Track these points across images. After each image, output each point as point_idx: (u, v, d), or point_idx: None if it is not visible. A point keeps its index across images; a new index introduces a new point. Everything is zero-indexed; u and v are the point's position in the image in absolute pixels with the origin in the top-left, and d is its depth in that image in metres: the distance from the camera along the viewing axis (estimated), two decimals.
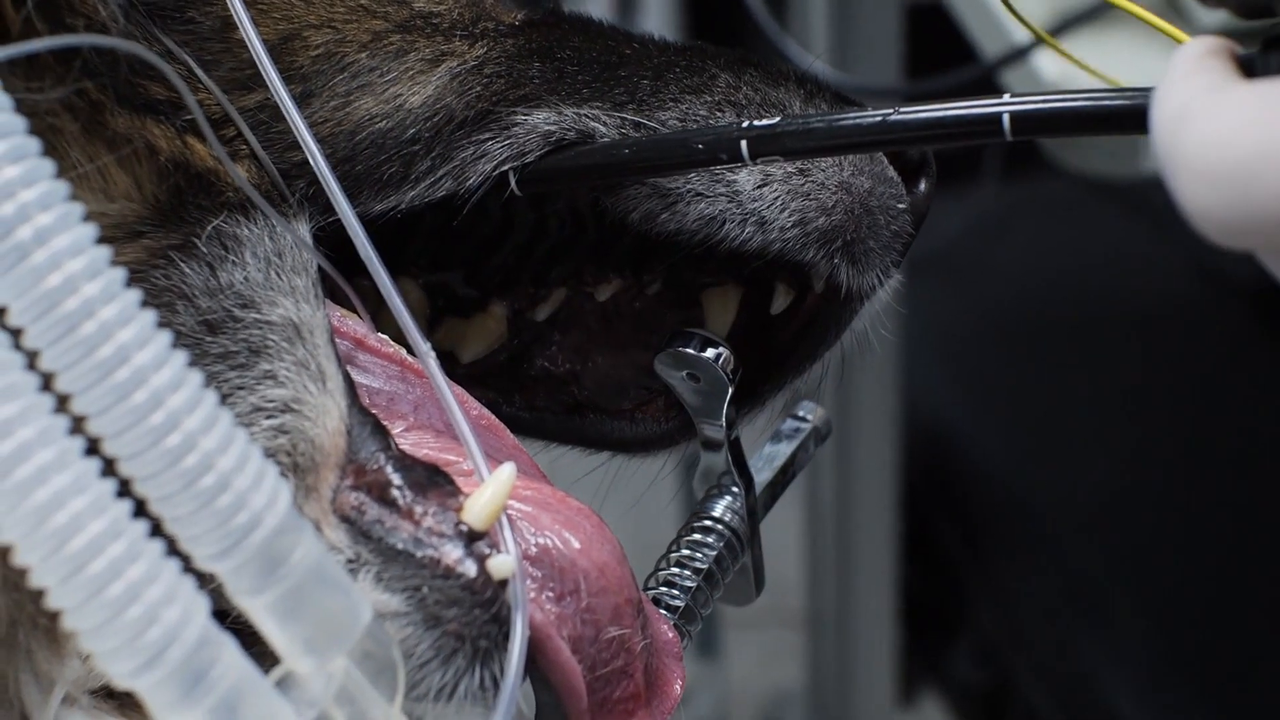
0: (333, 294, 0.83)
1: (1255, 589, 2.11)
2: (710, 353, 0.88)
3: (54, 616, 0.74)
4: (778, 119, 0.80)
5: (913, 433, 2.28)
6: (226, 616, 0.67)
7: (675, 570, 0.90)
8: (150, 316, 0.62)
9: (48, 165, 0.61)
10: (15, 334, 0.61)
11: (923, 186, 0.91)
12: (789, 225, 0.87)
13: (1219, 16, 1.59)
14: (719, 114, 0.87)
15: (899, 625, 2.33)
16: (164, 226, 0.77)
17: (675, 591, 0.89)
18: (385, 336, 0.83)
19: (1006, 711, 2.32)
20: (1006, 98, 0.74)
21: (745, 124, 0.80)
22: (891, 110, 0.76)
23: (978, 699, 2.39)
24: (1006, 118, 0.73)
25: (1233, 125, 0.60)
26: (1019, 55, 1.68)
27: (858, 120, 0.77)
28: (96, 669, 0.77)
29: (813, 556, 2.30)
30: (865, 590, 2.28)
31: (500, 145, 0.84)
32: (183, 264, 0.77)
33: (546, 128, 0.84)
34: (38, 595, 0.74)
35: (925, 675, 2.50)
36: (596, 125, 0.84)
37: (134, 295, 0.62)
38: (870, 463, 2.21)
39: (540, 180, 0.85)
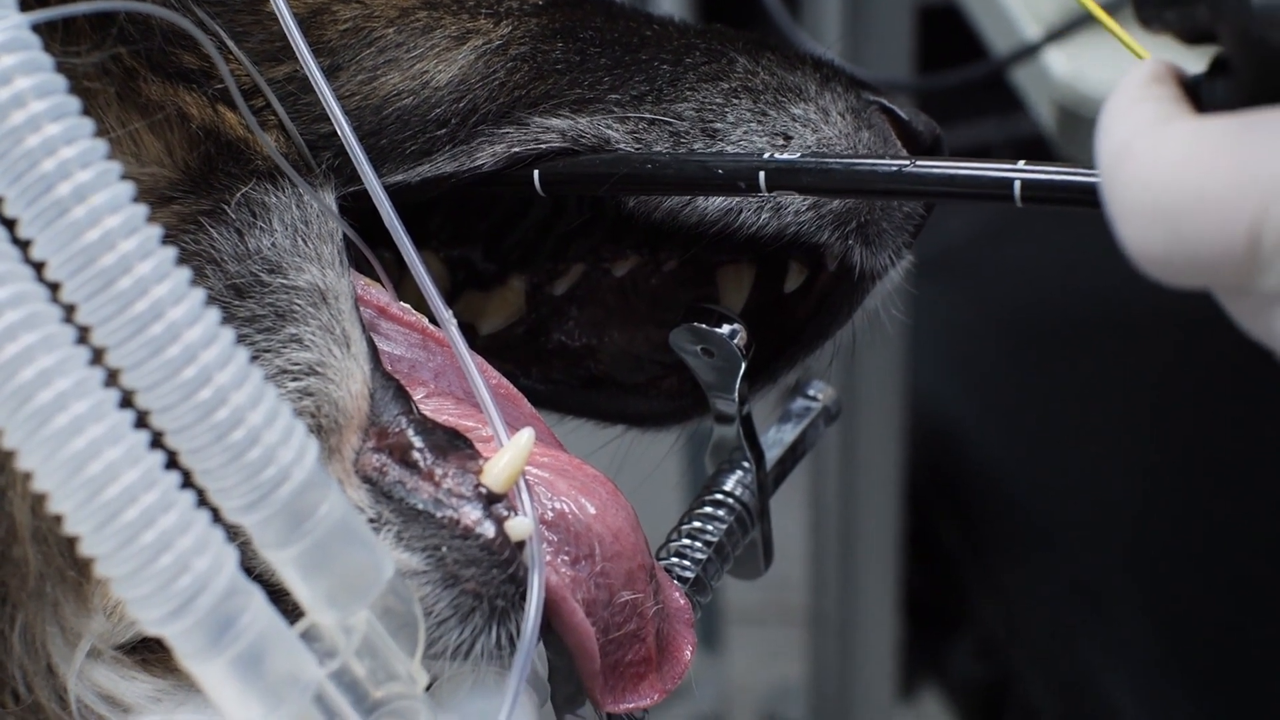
0: (357, 265, 0.84)
1: (1254, 588, 2.13)
2: (725, 328, 0.89)
3: (82, 570, 0.77)
4: (798, 155, 0.83)
5: (917, 431, 2.30)
6: (250, 574, 0.68)
7: (686, 542, 0.91)
8: (185, 274, 0.63)
9: (87, 124, 0.63)
10: (53, 288, 0.62)
11: None
12: (804, 209, 0.89)
13: None
14: (735, 101, 0.89)
15: (900, 620, 2.34)
16: (194, 192, 0.79)
17: (686, 562, 0.91)
18: (407, 305, 0.85)
19: (1006, 706, 2.34)
20: (1021, 164, 0.77)
21: (766, 155, 0.82)
22: (908, 162, 0.80)
23: (978, 694, 2.40)
24: (1018, 184, 0.76)
25: (1170, 164, 0.59)
26: (1029, 52, 1.70)
27: (874, 167, 0.80)
28: (122, 622, 0.79)
29: (816, 553, 2.32)
30: (868, 586, 2.29)
31: (517, 132, 0.86)
32: (212, 229, 0.78)
33: (561, 129, 0.86)
34: (66, 549, 0.76)
35: (926, 670, 2.51)
36: (610, 132, 0.86)
37: (170, 253, 0.63)
38: (875, 460, 2.22)
39: (564, 183, 0.87)
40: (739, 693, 2.62)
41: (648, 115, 0.87)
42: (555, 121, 0.86)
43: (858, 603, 2.30)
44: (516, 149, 0.86)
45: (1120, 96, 0.63)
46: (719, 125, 0.88)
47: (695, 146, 0.88)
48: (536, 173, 0.86)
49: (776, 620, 2.69)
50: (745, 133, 0.88)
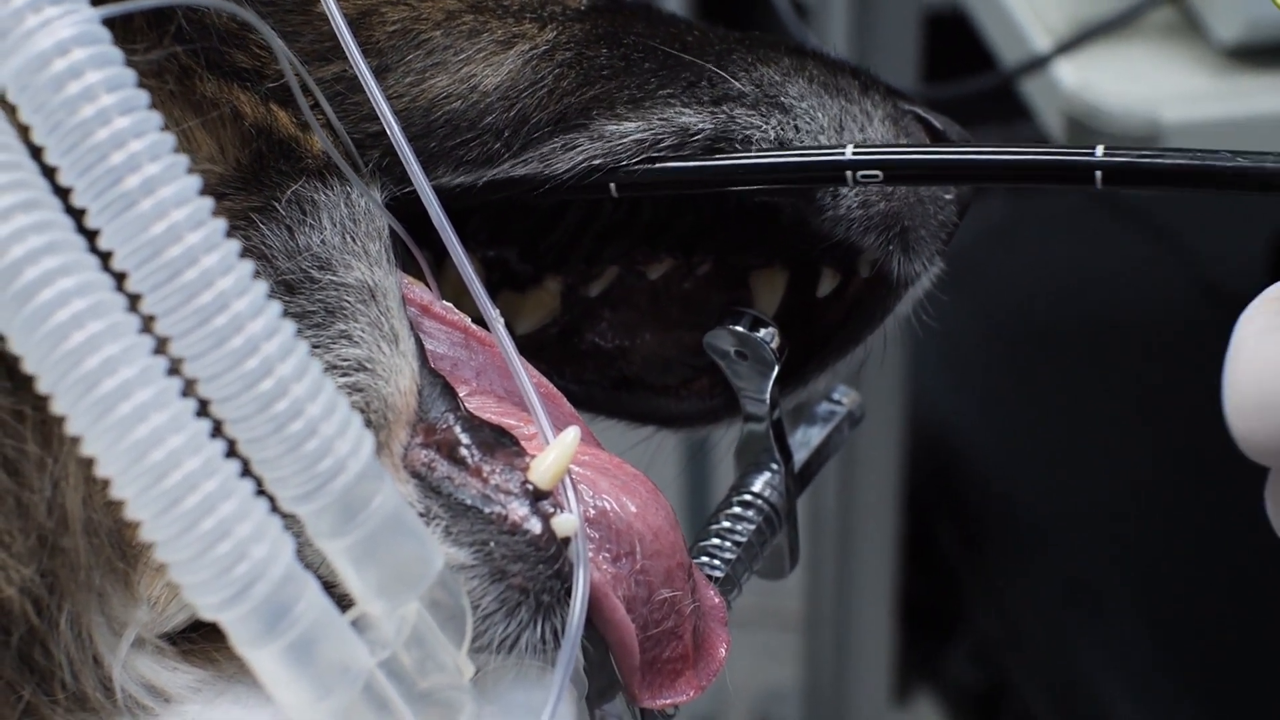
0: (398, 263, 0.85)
1: (1252, 592, 2.14)
2: (760, 332, 0.91)
3: (130, 561, 0.78)
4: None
5: (916, 435, 2.31)
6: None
7: (715, 542, 0.93)
8: (248, 267, 0.64)
9: (155, 118, 0.64)
10: (119, 278, 0.64)
11: None
12: (855, 207, 0.90)
13: (1237, 30, 1.63)
14: (792, 78, 0.90)
15: (896, 624, 2.35)
16: (245, 189, 0.80)
17: (715, 562, 0.92)
18: (450, 304, 0.86)
19: (1002, 712, 2.35)
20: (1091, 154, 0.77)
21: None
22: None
23: (973, 699, 2.42)
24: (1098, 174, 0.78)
25: (1265, 361, 0.68)
26: (1038, 64, 1.71)
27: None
28: (166, 612, 0.80)
29: (813, 557, 2.33)
30: (864, 589, 2.31)
31: (594, 144, 0.86)
32: (263, 226, 0.80)
33: (639, 135, 0.87)
34: (115, 540, 0.77)
35: (921, 674, 2.52)
36: (686, 119, 0.87)
37: (234, 245, 0.64)
38: (874, 464, 2.24)
39: (648, 186, 0.88)
40: (731, 696, 2.63)
41: (706, 97, 0.88)
42: (630, 125, 0.86)
43: (854, 606, 2.32)
44: (597, 160, 0.86)
45: (1257, 300, 0.71)
46: (784, 100, 0.89)
47: (771, 121, 0.88)
48: (613, 185, 0.88)
49: (769, 625, 2.70)
50: (809, 107, 0.89)
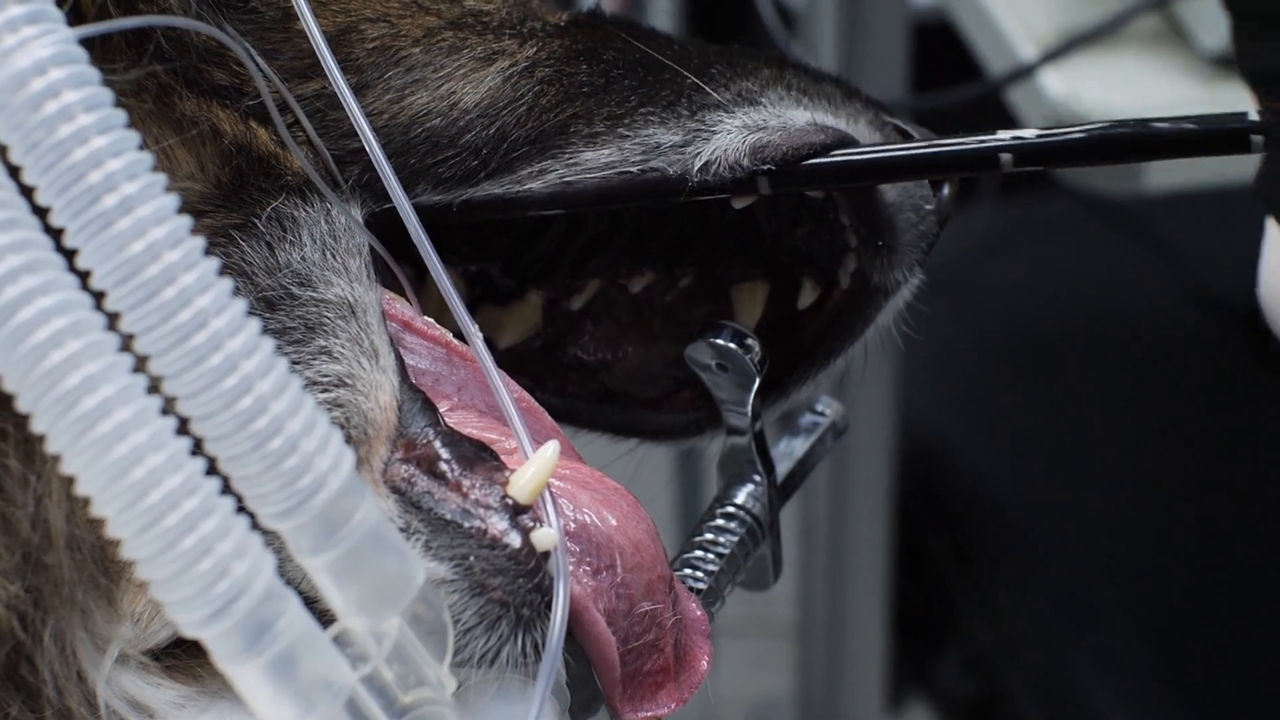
0: (380, 279, 0.86)
1: (1246, 603, 2.14)
2: (740, 345, 0.91)
3: (113, 577, 0.78)
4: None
5: (907, 446, 2.32)
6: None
7: (698, 554, 0.93)
8: (227, 285, 0.65)
9: (133, 136, 0.64)
10: (98, 297, 0.64)
11: (945, 191, 0.94)
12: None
13: (1222, 39, 1.63)
14: (770, 87, 0.90)
15: (888, 634, 2.36)
16: (225, 207, 0.80)
17: (698, 574, 0.92)
18: (431, 320, 0.86)
19: None
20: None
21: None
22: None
23: (966, 708, 2.42)
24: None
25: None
26: (1024, 73, 1.72)
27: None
28: (150, 628, 0.80)
29: (806, 566, 2.33)
30: (856, 599, 2.31)
31: (567, 170, 0.87)
32: (243, 243, 0.80)
33: (610, 159, 0.87)
34: (99, 556, 0.78)
35: (914, 684, 2.52)
36: (661, 138, 0.87)
37: (212, 264, 0.65)
38: (865, 474, 2.24)
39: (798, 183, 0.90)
40: (725, 705, 2.63)
41: (685, 111, 0.88)
42: (604, 152, 0.87)
43: (846, 616, 2.32)
44: (569, 177, 0.86)
45: None
46: (761, 99, 0.90)
47: (738, 113, 0.89)
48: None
49: (761, 635, 2.70)
50: (784, 108, 0.90)
